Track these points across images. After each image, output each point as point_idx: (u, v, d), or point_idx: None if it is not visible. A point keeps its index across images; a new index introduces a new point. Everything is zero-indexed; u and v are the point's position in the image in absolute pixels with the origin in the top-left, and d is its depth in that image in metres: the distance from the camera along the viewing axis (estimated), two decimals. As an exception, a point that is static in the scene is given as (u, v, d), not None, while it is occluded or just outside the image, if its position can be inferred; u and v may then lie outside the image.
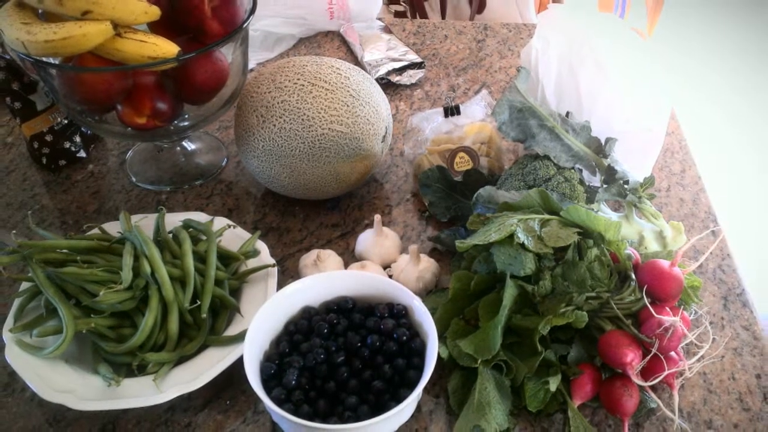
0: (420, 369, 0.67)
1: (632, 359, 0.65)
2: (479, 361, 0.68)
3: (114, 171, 1.01)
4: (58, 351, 0.67)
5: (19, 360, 0.69)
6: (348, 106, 0.84)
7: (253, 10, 0.86)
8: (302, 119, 0.83)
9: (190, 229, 0.80)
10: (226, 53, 0.87)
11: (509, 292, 0.69)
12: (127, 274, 0.69)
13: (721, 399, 0.71)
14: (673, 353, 0.67)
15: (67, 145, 1.01)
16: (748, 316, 0.79)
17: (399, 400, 0.63)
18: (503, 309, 0.68)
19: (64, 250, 0.73)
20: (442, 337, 0.71)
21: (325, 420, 0.64)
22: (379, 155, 0.90)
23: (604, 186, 0.83)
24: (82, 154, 1.03)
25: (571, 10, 0.91)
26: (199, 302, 0.71)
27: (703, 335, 0.75)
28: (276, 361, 0.68)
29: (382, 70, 1.18)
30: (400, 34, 1.31)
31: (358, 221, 0.92)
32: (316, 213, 0.93)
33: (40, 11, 0.79)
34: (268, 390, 0.65)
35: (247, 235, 0.82)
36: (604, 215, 0.74)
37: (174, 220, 0.82)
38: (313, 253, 0.82)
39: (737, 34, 3.12)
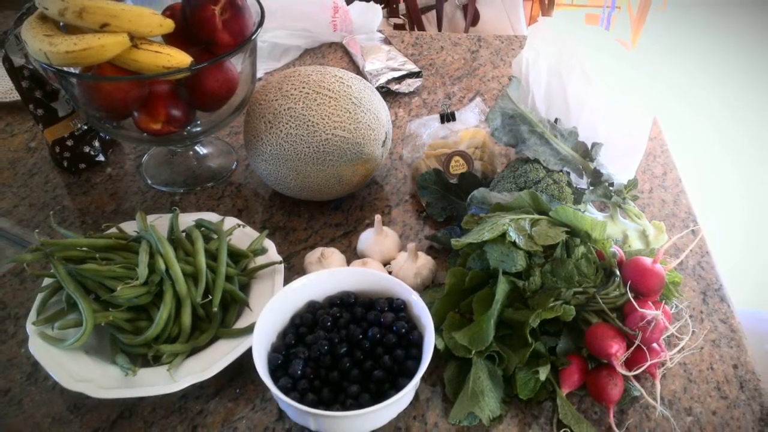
0: (418, 359, 0.67)
1: (617, 350, 0.65)
2: (473, 352, 0.68)
3: (131, 174, 1.01)
4: (79, 342, 0.67)
5: (41, 351, 0.69)
6: (350, 113, 0.84)
7: (261, 23, 0.86)
8: (307, 125, 0.83)
9: (202, 229, 0.80)
10: (236, 63, 0.87)
11: (501, 288, 0.69)
12: (143, 271, 0.69)
13: (700, 388, 0.71)
14: (655, 345, 0.67)
15: (86, 149, 1.01)
16: (725, 310, 0.79)
17: (398, 388, 0.63)
18: (496, 303, 0.68)
19: (84, 248, 0.73)
20: (438, 330, 0.71)
21: (328, 407, 0.64)
22: (380, 159, 0.90)
23: (591, 188, 0.83)
24: (101, 158, 1.03)
25: (559, 23, 0.91)
26: (210, 297, 0.71)
27: (684, 328, 0.75)
28: (282, 352, 0.68)
29: (382, 79, 1.18)
30: (399, 45, 1.31)
31: (360, 221, 0.92)
32: (320, 213, 0.93)
33: (61, 24, 0.79)
34: (275, 379, 0.65)
35: (255, 234, 0.82)
36: (590, 215, 0.74)
37: (187, 219, 0.82)
38: (318, 251, 0.82)
39: (716, 46, 3.13)
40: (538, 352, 0.69)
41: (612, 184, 0.82)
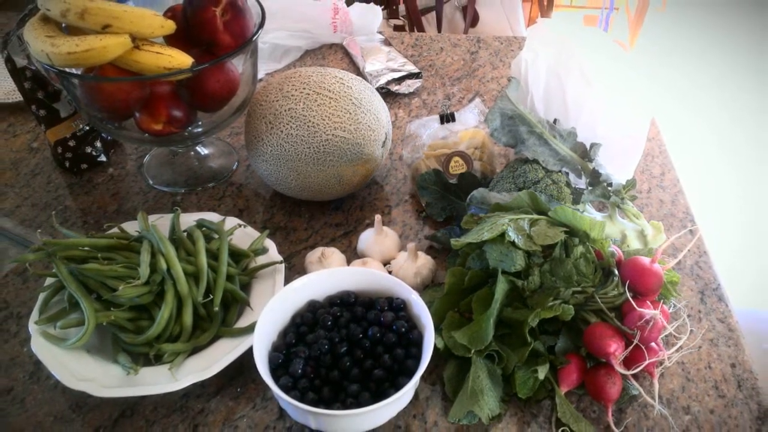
0: (417, 359, 0.67)
1: (615, 349, 0.65)
2: (473, 351, 0.68)
3: (132, 174, 1.01)
4: (81, 342, 0.67)
5: (44, 350, 0.69)
6: (350, 113, 0.84)
7: (262, 24, 0.86)
8: (308, 126, 0.83)
9: (204, 228, 0.80)
10: (237, 64, 0.87)
11: (501, 287, 0.69)
12: (144, 270, 0.69)
13: (698, 387, 0.71)
14: (653, 344, 0.67)
15: (88, 150, 1.01)
16: (723, 309, 0.79)
17: (398, 387, 0.63)
18: (495, 302, 0.68)
19: (86, 248, 0.73)
20: (438, 329, 0.71)
21: (328, 406, 0.64)
22: (380, 159, 0.90)
23: (589, 188, 0.83)
24: (103, 158, 1.03)
25: (558, 24, 0.91)
26: (211, 296, 0.71)
27: (682, 327, 0.75)
28: (283, 351, 0.68)
29: (382, 80, 1.18)
30: (399, 46, 1.31)
31: (360, 221, 0.92)
32: (320, 213, 0.93)
33: (63, 25, 0.79)
34: (275, 378, 0.65)
35: (256, 233, 0.82)
36: (589, 215, 0.74)
37: (188, 219, 0.82)
38: (318, 251, 0.82)
39: (715, 47, 3.13)
40: (537, 351, 0.69)
41: (610, 185, 0.82)
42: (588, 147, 0.82)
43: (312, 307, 0.72)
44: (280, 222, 0.92)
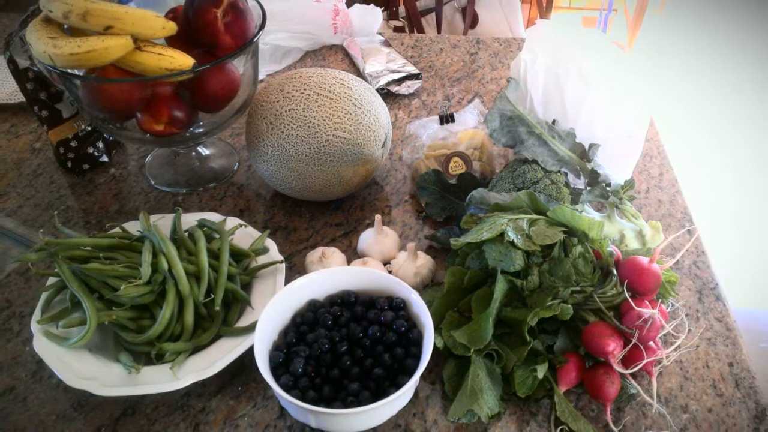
0: (417, 358, 0.67)
1: (614, 348, 0.65)
2: (472, 351, 0.68)
3: (134, 174, 1.01)
4: (82, 341, 0.67)
5: (46, 349, 0.69)
6: (351, 114, 0.84)
7: (262, 26, 0.86)
8: (308, 126, 0.83)
9: (205, 228, 0.80)
10: (238, 65, 0.87)
11: (500, 287, 0.69)
12: (146, 270, 0.69)
13: (696, 385, 0.71)
14: (651, 343, 0.67)
15: (90, 150, 1.01)
16: (721, 308, 0.79)
17: (398, 386, 0.63)
18: (494, 302, 0.68)
19: (88, 248, 0.73)
20: (437, 328, 0.71)
21: (329, 405, 0.64)
22: (380, 160, 0.90)
23: (588, 188, 0.83)
24: (105, 158, 1.03)
25: (557, 25, 0.91)
26: (212, 296, 0.71)
27: (680, 326, 0.75)
28: (284, 350, 0.68)
29: (382, 81, 1.18)
30: (398, 47, 1.31)
31: (360, 221, 0.92)
32: (321, 213, 0.93)
33: (65, 26, 0.79)
34: (276, 377, 0.65)
35: (257, 233, 0.82)
36: (587, 215, 0.74)
37: (189, 219, 0.82)
38: (319, 251, 0.82)
39: (712, 48, 3.13)
40: (536, 351, 0.69)
41: (609, 185, 0.82)
42: (587, 147, 0.82)
43: (312, 307, 0.72)
44: (281, 222, 0.92)
